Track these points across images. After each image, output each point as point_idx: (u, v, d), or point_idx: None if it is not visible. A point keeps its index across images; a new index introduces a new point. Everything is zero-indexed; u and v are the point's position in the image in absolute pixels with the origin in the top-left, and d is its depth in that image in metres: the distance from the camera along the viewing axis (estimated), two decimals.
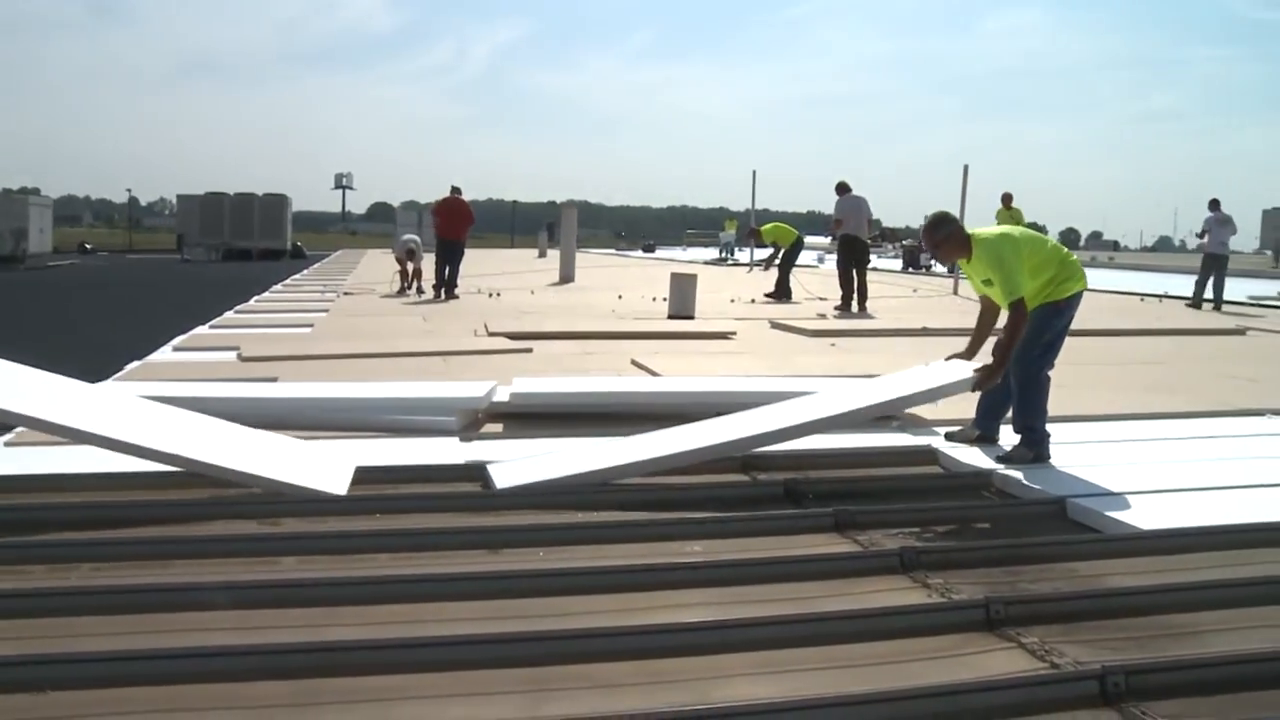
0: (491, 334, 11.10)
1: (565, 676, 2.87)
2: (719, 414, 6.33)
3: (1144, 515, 4.37)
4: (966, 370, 5.41)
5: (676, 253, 53.22)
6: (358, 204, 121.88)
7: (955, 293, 21.10)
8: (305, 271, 26.95)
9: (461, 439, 5.76)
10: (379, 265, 30.27)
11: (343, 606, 3.34)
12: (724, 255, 43.08)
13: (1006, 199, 21.25)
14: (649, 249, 56.96)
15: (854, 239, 16.45)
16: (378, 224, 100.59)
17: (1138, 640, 3.09)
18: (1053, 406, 5.60)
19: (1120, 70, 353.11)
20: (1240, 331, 12.80)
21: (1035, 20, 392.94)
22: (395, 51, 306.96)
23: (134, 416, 4.83)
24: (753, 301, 17.26)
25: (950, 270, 29.89)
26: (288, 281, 22.03)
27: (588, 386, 6.89)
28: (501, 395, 6.35)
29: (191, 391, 6.34)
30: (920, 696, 2.64)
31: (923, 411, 6.43)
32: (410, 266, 17.95)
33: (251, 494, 4.53)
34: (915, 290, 22.10)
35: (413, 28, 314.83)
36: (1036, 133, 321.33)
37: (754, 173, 28.02)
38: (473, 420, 6.08)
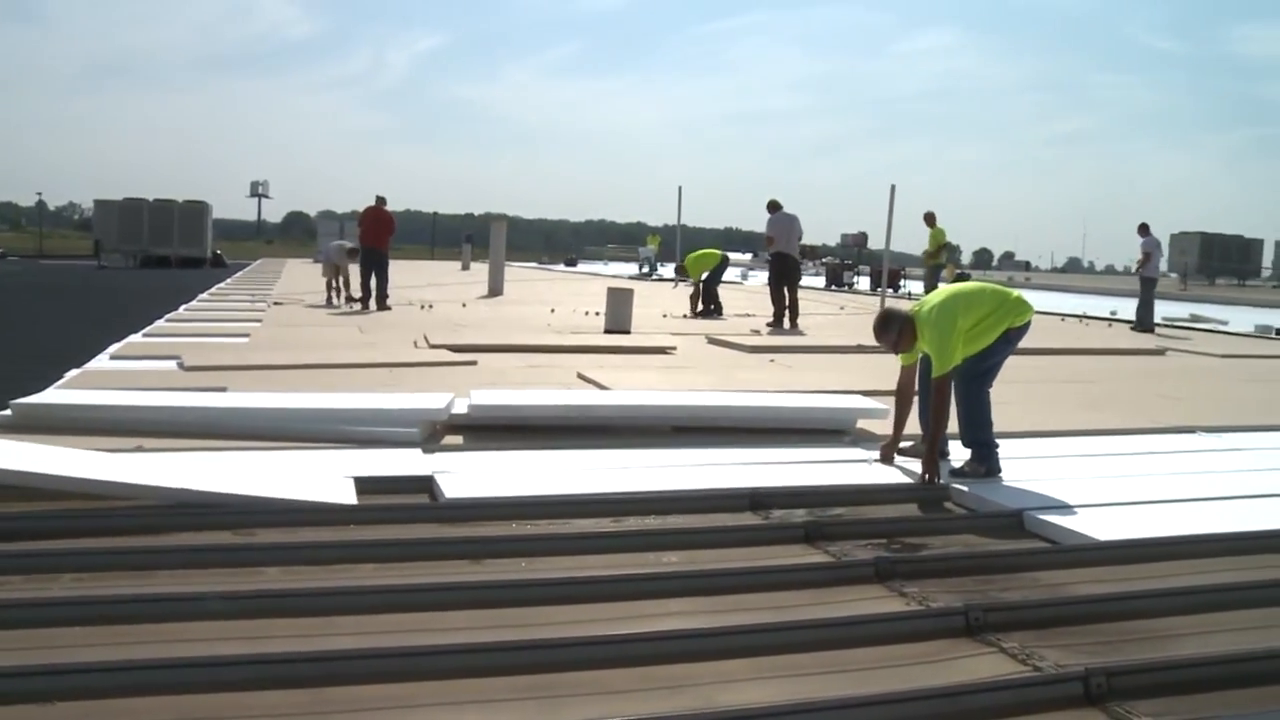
0: (433, 346, 11.08)
1: (570, 683, 2.94)
2: (675, 426, 6.47)
3: (1097, 527, 4.56)
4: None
5: (599, 267, 53.41)
6: (273, 213, 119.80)
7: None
8: (228, 281, 26.49)
9: (424, 450, 5.77)
10: (303, 276, 29.92)
11: (338, 616, 3.37)
12: (645, 270, 43.30)
13: (929, 218, 21.79)
14: (571, 263, 57.09)
15: (785, 256, 16.70)
16: (294, 233, 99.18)
17: (1110, 644, 3.26)
18: (1000, 424, 5.80)
19: (1031, 94, 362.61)
20: (1160, 352, 13.29)
21: (948, 43, 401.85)
22: (313, 59, 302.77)
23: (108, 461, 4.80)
24: (684, 316, 17.45)
25: (874, 289, 30.42)
26: (213, 291, 21.66)
27: (546, 399, 6.94)
28: (460, 407, 6.37)
29: (146, 400, 6.26)
30: (919, 699, 2.76)
31: (873, 427, 6.61)
32: (341, 277, 17.82)
33: (224, 504, 4.50)
34: (842, 308, 22.50)
35: (330, 35, 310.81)
36: (952, 153, 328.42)
37: (679, 189, 28.43)
38: (433, 432, 6.09)
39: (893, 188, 22.25)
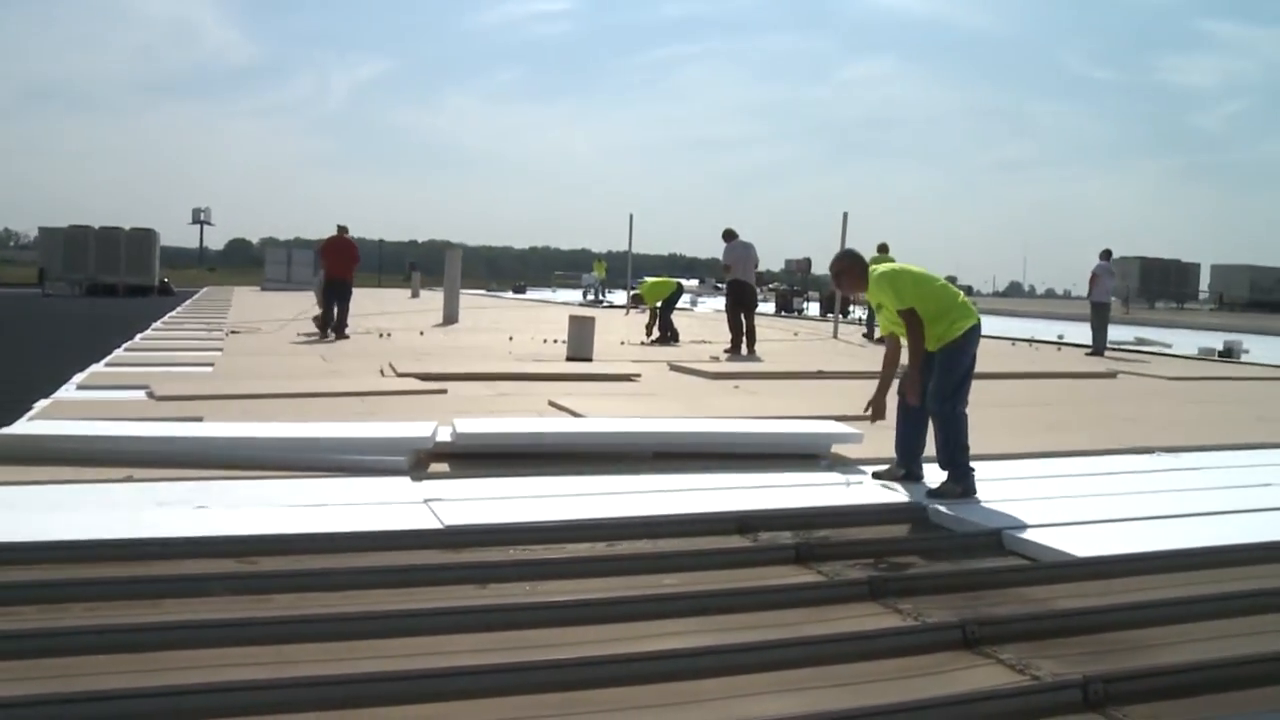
0: (400, 374, 11.12)
1: (591, 701, 3.04)
2: (658, 453, 6.61)
3: (1073, 544, 4.76)
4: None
5: (547, 294, 53.55)
6: (215, 240, 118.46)
7: (835, 336, 21.88)
8: (179, 310, 26.23)
9: (413, 478, 5.85)
10: (255, 304, 29.76)
11: (356, 640, 3.44)
12: (596, 297, 43.53)
13: (882, 248, 22.21)
14: (520, 290, 57.21)
15: (742, 284, 16.94)
16: (236, 261, 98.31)
17: (1100, 654, 3.43)
18: (970, 446, 6.00)
19: (971, 121, 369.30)
20: (1112, 375, 13.66)
21: (889, 71, 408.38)
22: (255, 84, 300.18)
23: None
24: (641, 343, 17.61)
25: (824, 314, 30.79)
26: (166, 320, 21.46)
27: (530, 427, 7.04)
28: (443, 435, 6.46)
29: (135, 431, 6.28)
30: (931, 706, 2.90)
31: (848, 452, 6.79)
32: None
33: (224, 536, 4.56)
34: (796, 334, 22.80)
35: (272, 61, 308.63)
36: (896, 179, 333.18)
37: (630, 216, 28.65)
38: (418, 460, 6.17)
39: (845, 215, 22.77)
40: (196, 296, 36.08)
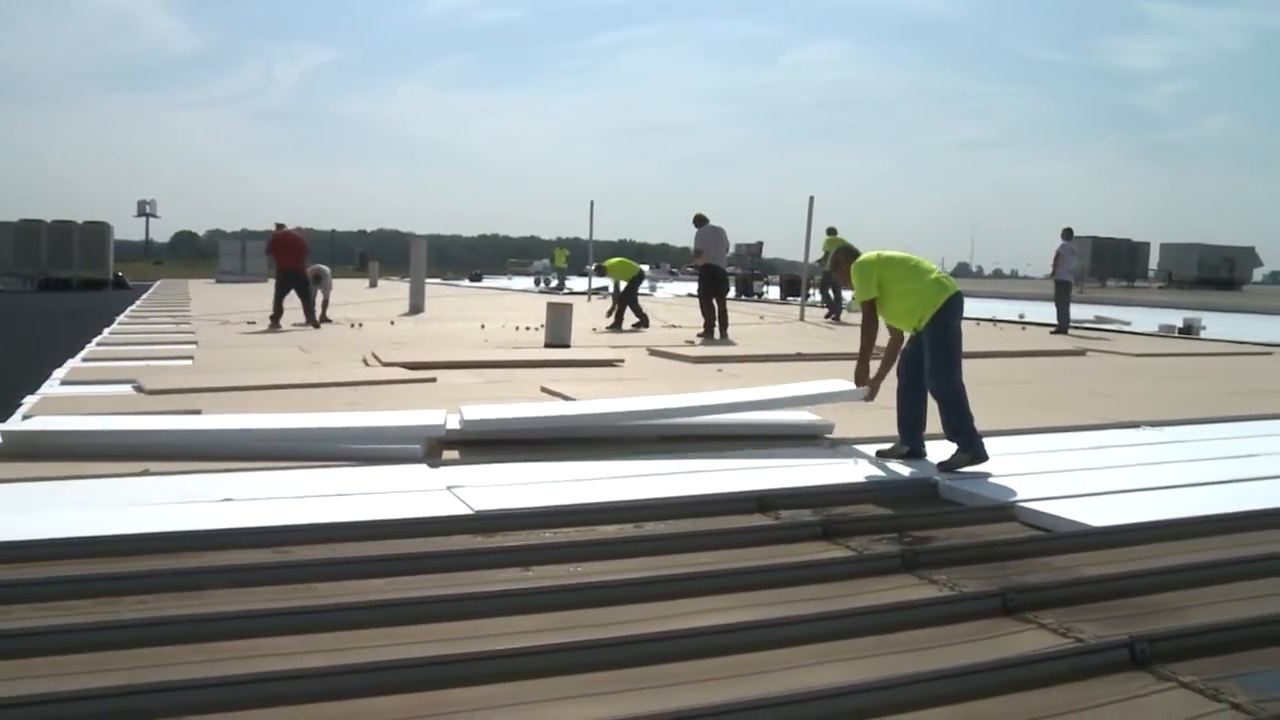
0: (385, 364, 11.13)
1: (656, 675, 3.13)
2: (671, 433, 6.72)
3: (1084, 514, 4.93)
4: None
5: (503, 281, 53.40)
6: (161, 233, 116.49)
7: (801, 319, 22.11)
8: (139, 304, 25.91)
9: (429, 466, 5.91)
10: (214, 297, 29.45)
11: (413, 625, 3.51)
12: (557, 283, 43.45)
13: (831, 231, 22.45)
14: (477, 278, 56.99)
15: (714, 268, 17.08)
16: (183, 254, 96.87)
17: (1135, 617, 3.59)
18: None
19: (920, 103, 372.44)
20: (1081, 353, 13.95)
21: (840, 54, 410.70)
22: (199, 74, 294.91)
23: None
24: (609, 329, 17.67)
25: (785, 298, 31.00)
26: (129, 314, 21.22)
27: (542, 411, 7.11)
28: (453, 423, 6.51)
29: (151, 424, 6.28)
30: (988, 670, 3.03)
31: (848, 433, 6.93)
32: (319, 295, 18.10)
33: (260, 526, 4.60)
34: (761, 317, 22.97)
35: (216, 51, 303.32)
36: (847, 162, 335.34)
37: (591, 203, 28.59)
38: (430, 448, 6.22)
39: (810, 199, 22.98)
40: (152, 290, 35.58)
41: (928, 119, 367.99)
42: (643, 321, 18.42)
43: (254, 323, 17.50)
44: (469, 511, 4.94)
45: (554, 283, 44.75)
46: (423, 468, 5.86)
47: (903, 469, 6.03)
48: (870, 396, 6.60)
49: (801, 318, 22.26)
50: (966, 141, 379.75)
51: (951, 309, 6.13)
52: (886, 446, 6.39)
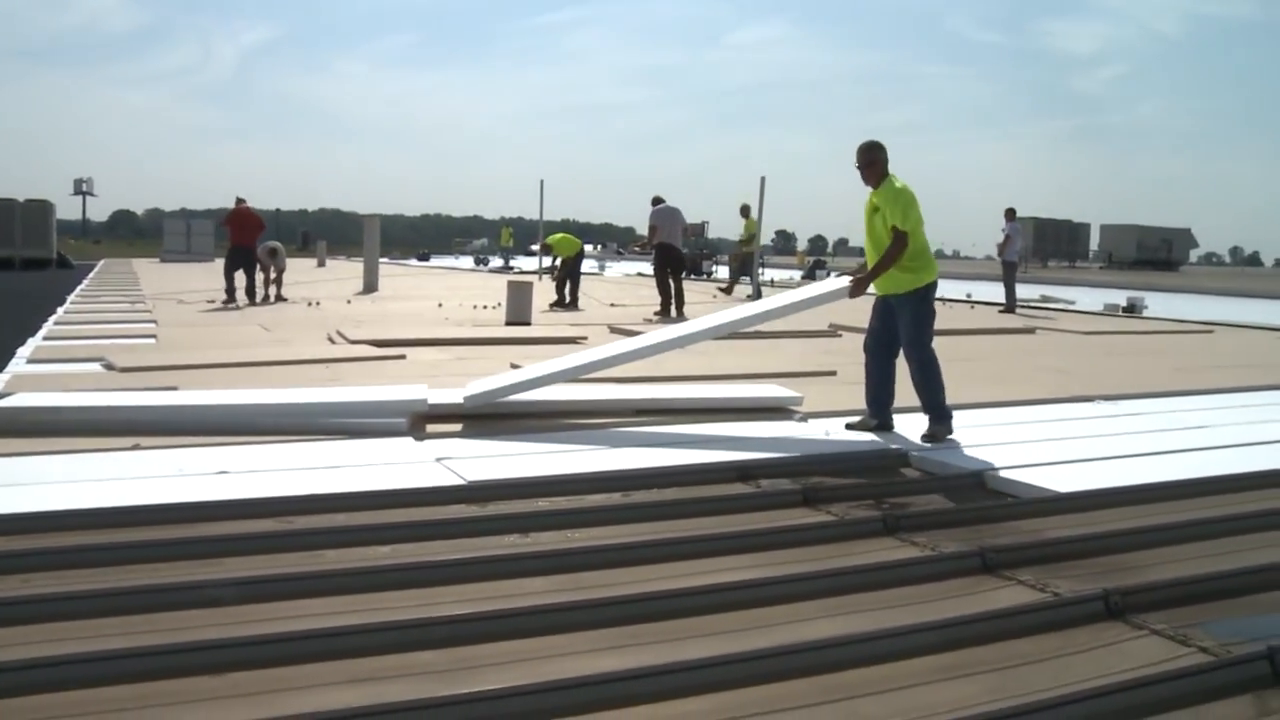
0: (352, 341, 11.19)
1: (665, 631, 3.32)
2: (648, 406, 6.91)
3: (1050, 481, 5.20)
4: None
5: (450, 260, 53.28)
6: (98, 212, 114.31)
7: (757, 296, 22.36)
8: (86, 283, 25.54)
9: (415, 439, 6.04)
10: (163, 276, 29.12)
11: (430, 587, 3.67)
12: (503, 263, 43.58)
13: (744, 210, 22.73)
14: (424, 258, 56.83)
15: (669, 247, 17.20)
16: (121, 233, 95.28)
17: (1106, 573, 3.84)
18: None
19: (861, 85, 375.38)
20: (1031, 330, 14.35)
21: (780, 35, 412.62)
22: (134, 51, 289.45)
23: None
24: (553, 306, 17.56)
25: (737, 278, 31.23)
26: (80, 292, 20.95)
27: (536, 371, 7.24)
28: (435, 398, 6.65)
29: (138, 400, 6.34)
30: (977, 621, 3.27)
31: (820, 405, 7.16)
32: (273, 271, 18.24)
33: (265, 498, 4.71)
34: (714, 295, 23.16)
35: (153, 26, 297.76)
36: (787, 142, 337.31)
37: (541, 182, 28.47)
38: (415, 421, 6.35)
39: (762, 179, 23.21)
40: (97, 270, 35.01)
41: (867, 100, 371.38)
42: (569, 303, 18.09)
43: (212, 301, 17.41)
44: (462, 482, 5.09)
45: (500, 261, 44.86)
46: (409, 440, 5.99)
47: (873, 440, 6.26)
48: (854, 295, 6.60)
49: (757, 295, 22.52)
50: (905, 123, 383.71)
51: (934, 286, 6.45)
52: (855, 419, 6.62)
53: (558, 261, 19.01)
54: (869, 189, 6.43)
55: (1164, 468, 5.60)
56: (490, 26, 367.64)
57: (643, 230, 18.48)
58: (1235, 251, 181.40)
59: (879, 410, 6.53)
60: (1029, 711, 2.60)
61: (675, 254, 17.43)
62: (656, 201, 17.40)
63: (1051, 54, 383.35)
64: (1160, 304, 21.51)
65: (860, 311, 17.45)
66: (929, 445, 6.02)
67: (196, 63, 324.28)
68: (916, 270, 6.29)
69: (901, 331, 6.34)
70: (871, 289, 6.48)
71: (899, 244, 6.17)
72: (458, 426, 6.39)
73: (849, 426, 6.58)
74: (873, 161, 6.35)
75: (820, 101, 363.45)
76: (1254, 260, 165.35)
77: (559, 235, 19.74)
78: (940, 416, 6.20)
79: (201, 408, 6.18)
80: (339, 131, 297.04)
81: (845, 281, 6.63)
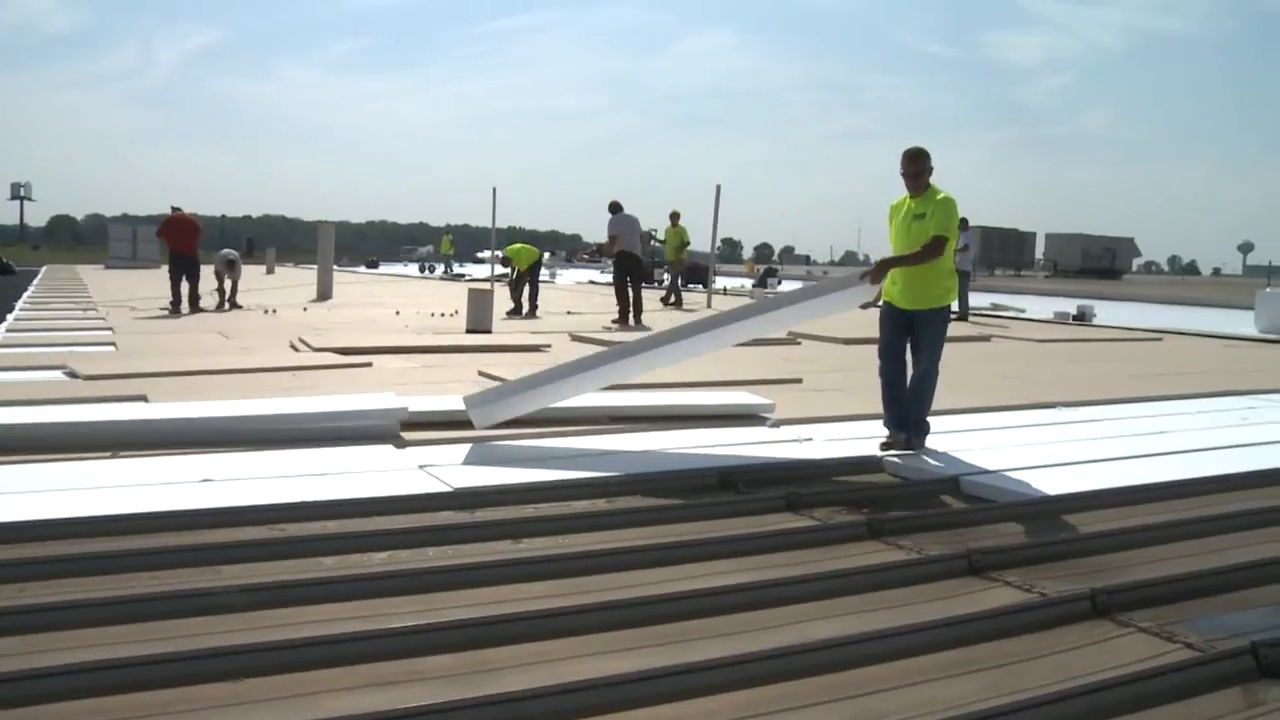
0: (316, 349, 11.14)
1: (669, 634, 3.39)
2: (622, 413, 6.98)
3: (1024, 486, 5.35)
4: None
5: (398, 268, 53.04)
6: (36, 217, 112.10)
7: (709, 305, 22.53)
8: (32, 289, 25.12)
9: (395, 446, 6.06)
10: (111, 283, 28.72)
11: (439, 592, 3.71)
12: (445, 270, 43.80)
13: (674, 217, 22.92)
14: (373, 265, 56.57)
15: (629, 255, 17.28)
16: (60, 238, 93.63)
17: (1089, 573, 3.98)
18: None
19: (809, 93, 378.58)
20: (986, 338, 14.59)
21: (728, 43, 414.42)
22: (74, 53, 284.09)
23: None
24: (509, 314, 17.56)
25: (684, 285, 31.31)
26: (28, 299, 20.61)
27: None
28: (419, 405, 6.69)
29: (114, 414, 6.31)
30: (971, 620, 3.38)
31: (790, 413, 7.28)
32: (229, 282, 18.11)
33: (260, 505, 4.72)
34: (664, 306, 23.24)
35: (93, 28, 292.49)
36: (735, 150, 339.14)
37: (494, 190, 28.29)
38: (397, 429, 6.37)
39: (718, 187, 23.38)
40: (41, 276, 34.42)
41: (815, 108, 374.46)
42: (523, 311, 18.16)
43: (164, 309, 17.22)
44: (448, 489, 5.13)
45: (442, 269, 45.01)
46: (389, 448, 6.02)
47: (846, 447, 6.37)
48: (875, 282, 6.26)
49: (709, 305, 22.68)
50: (851, 131, 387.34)
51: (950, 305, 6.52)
52: (886, 439, 6.31)
53: (514, 274, 18.99)
54: (908, 195, 6.27)
55: (1133, 472, 5.78)
56: (439, 33, 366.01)
57: (590, 237, 18.62)
58: (1174, 260, 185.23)
59: (903, 423, 6.31)
60: (1033, 705, 2.70)
61: (636, 262, 17.52)
62: (615, 208, 17.44)
63: (996, 65, 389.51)
64: (1108, 312, 21.95)
65: (821, 320, 17.66)
66: (890, 452, 6.13)
67: (137, 65, 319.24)
68: (948, 289, 6.39)
69: (925, 344, 6.31)
70: (883, 300, 6.36)
71: (937, 249, 6.08)
72: (436, 434, 6.42)
73: (883, 447, 6.24)
74: (922, 170, 6.22)
75: (767, 110, 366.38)
76: (1191, 269, 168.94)
77: (517, 246, 19.73)
78: (924, 431, 6.30)
79: (185, 420, 6.16)
80: (284, 137, 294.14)
81: (864, 283, 6.29)
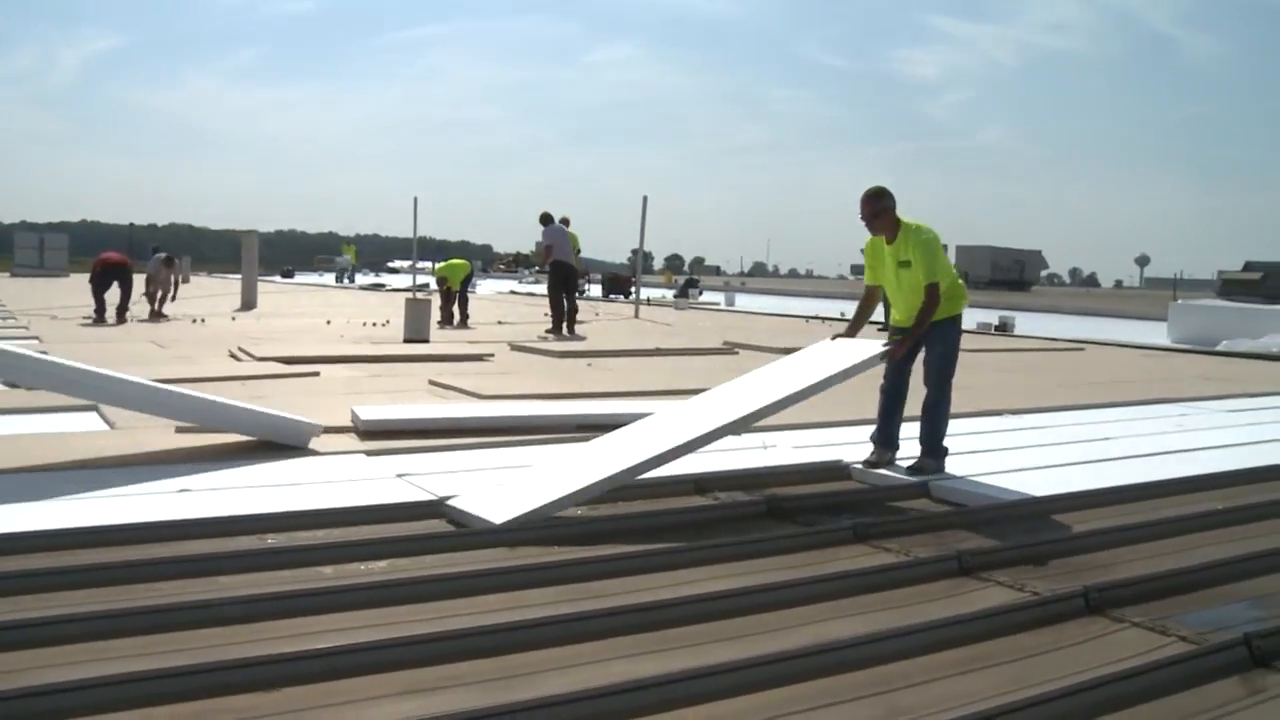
0: (260, 359, 11.00)
1: (679, 637, 3.44)
2: (588, 422, 7.01)
3: (990, 489, 5.54)
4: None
5: (313, 277, 52.36)
6: None
7: (636, 316, 22.73)
8: None
9: (367, 455, 6.04)
10: (24, 291, 27.95)
11: (450, 599, 3.73)
12: (350, 279, 44.08)
13: (564, 222, 23.01)
14: (288, 274, 55.71)
15: (563, 264, 17.34)
16: None
17: (1075, 572, 4.15)
18: (853, 413, 6.79)
19: (714, 105, 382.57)
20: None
21: (633, 55, 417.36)
22: None
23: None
24: (441, 326, 17.46)
25: (606, 296, 31.39)
26: None
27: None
28: (381, 414, 6.66)
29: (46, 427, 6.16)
30: (969, 620, 3.50)
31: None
32: (171, 281, 18.41)
33: (248, 515, 4.68)
34: (597, 314, 23.41)
35: None
36: (641, 161, 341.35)
37: (415, 199, 28.17)
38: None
39: (645, 199, 23.58)
40: None
41: (719, 120, 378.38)
42: (454, 321, 18.16)
43: (87, 318, 16.81)
44: (432, 498, 5.13)
45: (362, 279, 44.96)
46: (363, 457, 6.00)
47: (812, 454, 6.50)
48: (897, 356, 6.02)
49: (636, 315, 22.89)
50: (754, 143, 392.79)
51: (961, 316, 6.15)
52: (872, 456, 6.17)
53: (445, 289, 18.86)
54: (878, 237, 5.97)
55: (1094, 476, 6.00)
56: (345, 42, 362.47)
57: (501, 247, 18.74)
58: (1075, 273, 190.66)
59: (890, 441, 6.20)
60: (1055, 698, 2.82)
61: (570, 272, 17.59)
62: (546, 220, 17.50)
63: (898, 79, 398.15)
64: (1026, 323, 22.53)
65: (751, 330, 17.90)
66: (866, 465, 6.11)
67: (35, 70, 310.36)
68: (953, 298, 5.98)
69: (932, 360, 6.03)
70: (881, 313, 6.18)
71: (934, 300, 5.78)
72: (408, 442, 6.40)
73: (868, 464, 6.13)
74: (880, 211, 5.86)
75: (673, 121, 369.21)
76: (1092, 281, 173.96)
77: (448, 263, 19.60)
78: (938, 452, 6.02)
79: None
80: (189, 145, 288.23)
81: (879, 346, 6.01)
